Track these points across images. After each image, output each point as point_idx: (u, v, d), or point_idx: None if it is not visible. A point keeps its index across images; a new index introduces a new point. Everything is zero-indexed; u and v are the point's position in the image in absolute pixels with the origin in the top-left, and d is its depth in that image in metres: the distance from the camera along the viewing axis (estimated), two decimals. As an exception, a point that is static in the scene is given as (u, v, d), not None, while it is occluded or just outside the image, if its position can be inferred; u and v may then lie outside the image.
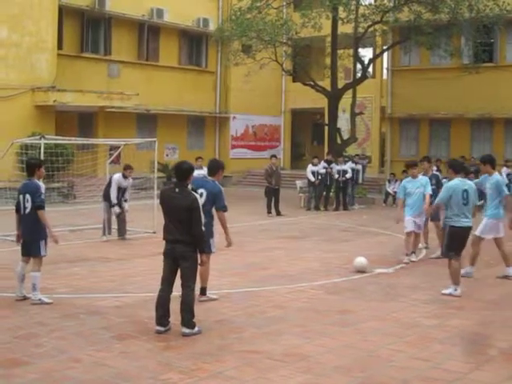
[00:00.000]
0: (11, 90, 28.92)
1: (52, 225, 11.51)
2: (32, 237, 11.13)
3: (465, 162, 29.63)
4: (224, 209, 11.23)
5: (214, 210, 11.13)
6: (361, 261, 14.36)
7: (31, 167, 11.41)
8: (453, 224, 12.22)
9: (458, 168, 12.82)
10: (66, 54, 32.78)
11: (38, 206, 11.04)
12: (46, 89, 30.02)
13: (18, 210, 11.35)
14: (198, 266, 9.57)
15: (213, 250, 11.29)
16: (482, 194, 14.52)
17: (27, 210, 11.13)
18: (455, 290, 12.18)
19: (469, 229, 12.43)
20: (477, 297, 12.17)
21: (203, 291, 11.36)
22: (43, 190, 11.22)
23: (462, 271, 13.06)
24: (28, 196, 11.09)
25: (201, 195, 10.57)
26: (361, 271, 14.13)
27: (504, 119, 33.34)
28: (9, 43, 29.27)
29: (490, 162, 14.06)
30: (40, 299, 11.02)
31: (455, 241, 12.24)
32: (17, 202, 11.37)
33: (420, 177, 15.69)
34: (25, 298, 11.18)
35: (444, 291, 12.25)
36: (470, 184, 12.59)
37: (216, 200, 11.07)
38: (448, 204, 12.31)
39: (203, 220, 9.50)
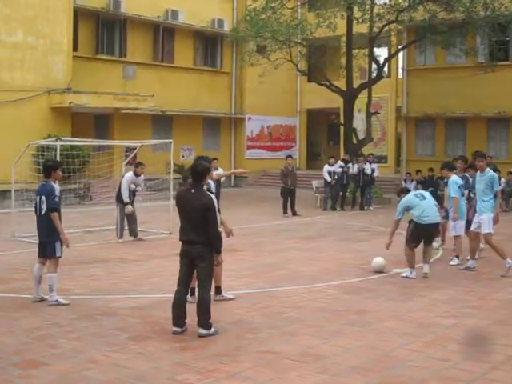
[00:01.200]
0: (27, 92, 29.05)
1: (69, 226, 11.54)
2: (48, 238, 11.18)
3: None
4: None
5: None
6: (379, 261, 14.34)
7: (48, 169, 11.45)
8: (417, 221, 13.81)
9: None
10: (82, 55, 32.99)
11: (52, 208, 11.08)
12: (62, 91, 30.14)
13: (36, 212, 11.41)
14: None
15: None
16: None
17: (43, 212, 11.18)
18: (411, 272, 13.66)
19: (432, 225, 13.84)
20: (493, 296, 12.11)
21: (218, 290, 11.40)
22: (58, 193, 11.24)
23: (464, 265, 14.67)
24: (44, 198, 11.14)
25: None
26: (379, 271, 14.10)
27: (520, 118, 33.23)
28: (25, 46, 29.40)
29: (484, 156, 14.83)
30: (57, 300, 11.05)
31: (418, 235, 13.84)
32: (35, 203, 11.43)
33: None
34: (42, 300, 11.22)
35: (402, 274, 13.75)
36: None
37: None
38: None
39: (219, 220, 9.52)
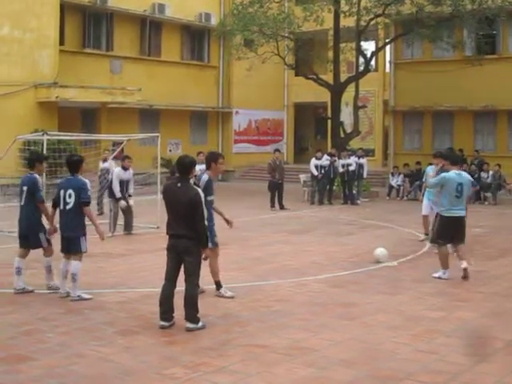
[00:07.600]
0: (14, 86, 28.94)
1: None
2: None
3: (463, 155, 30.10)
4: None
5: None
6: (381, 251, 14.41)
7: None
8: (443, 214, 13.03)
9: (455, 160, 13.38)
10: (68, 50, 32.86)
11: (85, 202, 11.26)
12: (49, 85, 30.05)
13: (55, 205, 11.36)
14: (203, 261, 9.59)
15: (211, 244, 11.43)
16: None
17: (68, 206, 11.17)
18: (444, 273, 12.91)
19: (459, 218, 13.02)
20: (481, 289, 12.14)
21: (217, 286, 11.43)
22: (89, 187, 11.43)
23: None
24: (71, 191, 11.14)
25: None
26: (380, 261, 14.17)
27: (507, 111, 33.30)
28: (11, 39, 29.28)
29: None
30: (79, 296, 11.06)
31: (444, 229, 12.94)
32: (56, 196, 11.35)
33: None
34: (68, 295, 11.15)
35: (434, 274, 12.97)
36: (465, 178, 13.05)
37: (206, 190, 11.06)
38: (441, 193, 13.08)
39: (206, 214, 9.50)
